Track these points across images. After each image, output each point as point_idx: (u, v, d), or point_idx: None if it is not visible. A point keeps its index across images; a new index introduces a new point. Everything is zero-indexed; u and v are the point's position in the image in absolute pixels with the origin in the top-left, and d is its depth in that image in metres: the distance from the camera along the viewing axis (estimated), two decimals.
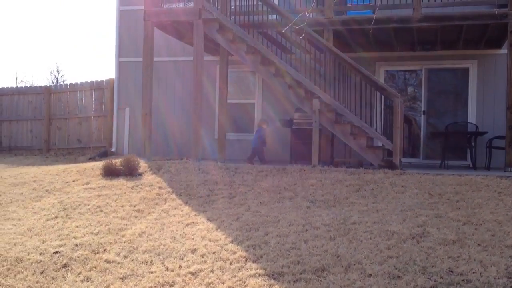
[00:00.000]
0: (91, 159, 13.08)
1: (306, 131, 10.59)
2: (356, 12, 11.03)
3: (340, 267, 4.99)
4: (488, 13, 9.94)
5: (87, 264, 5.62)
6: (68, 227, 6.74)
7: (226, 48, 10.77)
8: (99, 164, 9.60)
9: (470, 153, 11.07)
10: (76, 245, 6.08)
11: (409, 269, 4.85)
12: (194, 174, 8.86)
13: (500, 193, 7.29)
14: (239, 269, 5.20)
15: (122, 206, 7.45)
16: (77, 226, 6.74)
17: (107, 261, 5.67)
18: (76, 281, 5.27)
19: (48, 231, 6.68)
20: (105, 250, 5.96)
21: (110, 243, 6.14)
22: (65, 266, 5.62)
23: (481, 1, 10.47)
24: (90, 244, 6.10)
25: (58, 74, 41.05)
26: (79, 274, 5.42)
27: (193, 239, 6.09)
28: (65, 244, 6.13)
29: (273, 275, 4.97)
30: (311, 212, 6.77)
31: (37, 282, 5.31)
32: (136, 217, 7.05)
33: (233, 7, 11.21)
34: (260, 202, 7.34)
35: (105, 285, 5.16)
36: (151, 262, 5.59)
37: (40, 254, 5.92)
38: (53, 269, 5.57)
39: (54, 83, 37.17)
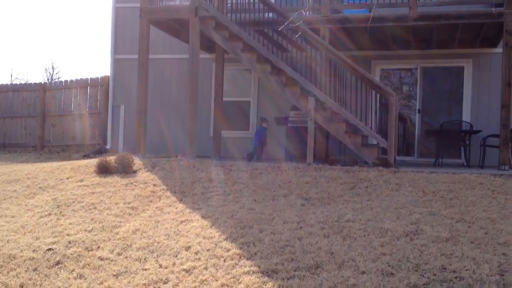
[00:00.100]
0: (86, 156, 13.05)
1: (301, 129, 10.60)
2: (353, 10, 11.03)
3: (334, 264, 4.99)
4: (484, 12, 9.96)
5: (80, 261, 5.60)
6: (62, 224, 6.72)
7: (222, 46, 10.76)
8: (93, 162, 9.58)
9: (464, 151, 11.10)
10: (70, 242, 6.07)
11: (402, 266, 4.86)
12: (189, 172, 8.85)
13: (494, 191, 7.31)
14: (233, 266, 5.19)
15: (116, 204, 7.43)
16: (70, 223, 6.73)
17: (101, 258, 5.65)
18: (69, 278, 5.25)
19: (42, 228, 6.66)
20: (98, 247, 5.95)
21: (104, 240, 6.13)
22: (58, 263, 5.60)
23: (477, 0, 10.49)
24: (83, 241, 6.09)
25: (53, 71, 40.88)
26: (72, 271, 5.40)
27: (187, 236, 6.08)
28: (58, 241, 6.11)
29: (267, 272, 4.98)
30: (305, 209, 6.78)
31: (30, 279, 5.29)
32: (130, 214, 7.03)
33: (229, 5, 11.21)
34: (255, 200, 7.34)
35: (98, 282, 5.15)
36: (144, 259, 5.58)
37: (33, 251, 5.90)
38: (46, 266, 5.56)
39: (49, 80, 37.05)
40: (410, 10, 10.19)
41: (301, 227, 6.06)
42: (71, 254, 5.76)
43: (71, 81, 15.42)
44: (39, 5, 58.11)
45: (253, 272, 5.00)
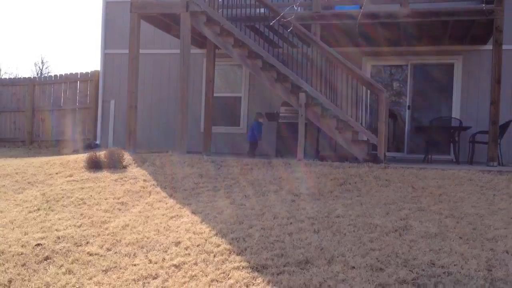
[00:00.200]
0: (75, 151, 12.97)
1: (292, 125, 10.60)
2: (344, 6, 11.04)
3: (324, 260, 5.01)
4: (475, 9, 9.99)
5: (69, 257, 5.58)
6: (51, 220, 6.69)
7: (213, 41, 10.72)
8: (83, 157, 9.53)
9: (453, 147, 11.16)
10: (59, 238, 6.04)
11: (392, 261, 4.88)
12: (179, 167, 8.83)
13: (482, 187, 7.36)
14: (223, 262, 5.20)
15: (105, 199, 7.40)
16: (59, 219, 6.69)
17: (90, 254, 5.63)
18: (58, 274, 5.23)
19: (30, 224, 6.62)
20: (87, 242, 5.93)
21: (93, 235, 6.11)
22: (47, 258, 5.58)
23: None
24: (72, 237, 6.06)
25: (42, 66, 40.69)
26: (61, 266, 5.38)
27: (177, 232, 6.08)
28: (47, 237, 6.08)
29: (257, 267, 4.98)
30: (295, 205, 6.79)
31: (18, 274, 5.26)
32: (119, 209, 7.01)
33: (220, 0, 11.16)
34: (245, 195, 7.34)
35: (87, 277, 5.13)
36: (134, 255, 5.57)
37: (22, 246, 5.87)
38: (35, 262, 5.53)
39: (39, 75, 36.81)
40: (401, 7, 10.21)
41: (291, 223, 6.07)
42: (60, 250, 5.73)
43: (61, 75, 15.31)
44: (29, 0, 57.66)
45: (243, 267, 5.01)
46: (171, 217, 6.56)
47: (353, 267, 4.81)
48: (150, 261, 5.39)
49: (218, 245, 5.56)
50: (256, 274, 4.86)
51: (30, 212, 7.09)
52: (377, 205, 6.58)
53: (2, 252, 5.73)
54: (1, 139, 15.60)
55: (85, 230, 6.28)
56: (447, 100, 12.21)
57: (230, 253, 5.35)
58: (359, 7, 10.61)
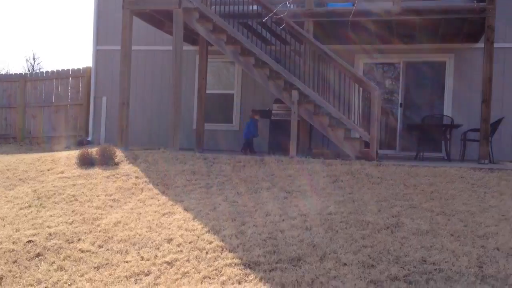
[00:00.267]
0: (67, 148, 12.91)
1: (285, 122, 10.62)
2: (336, 4, 11.04)
3: (316, 257, 5.02)
4: (467, 7, 10.03)
5: (61, 254, 5.56)
6: (42, 216, 6.66)
7: (206, 38, 10.70)
8: (75, 153, 9.49)
9: (445, 145, 11.22)
10: (50, 234, 6.01)
11: (383, 258, 4.90)
12: (172, 164, 8.81)
13: (473, 184, 7.41)
14: (215, 259, 5.20)
15: (97, 196, 7.38)
16: (51, 215, 6.66)
17: (82, 251, 5.62)
18: (49, 270, 5.21)
19: (22, 220, 6.58)
20: (79, 239, 5.91)
21: (85, 232, 6.09)
22: (38, 255, 5.56)
23: None
24: (64, 233, 6.04)
25: (34, 61, 40.42)
26: (52, 263, 5.36)
27: (169, 228, 6.07)
28: (38, 233, 6.06)
29: (249, 264, 4.99)
30: (288, 202, 6.80)
31: (9, 271, 5.24)
32: (111, 206, 6.98)
33: None
34: (238, 192, 7.34)
35: (79, 274, 5.12)
36: (126, 252, 5.56)
37: (13, 243, 5.84)
38: (26, 258, 5.51)
39: (30, 71, 36.60)
40: (394, 5, 10.23)
41: (283, 220, 6.08)
42: (52, 246, 5.71)
43: (53, 72, 15.22)
44: None
45: (235, 264, 5.01)
46: (163, 214, 6.55)
47: (345, 264, 4.83)
48: (142, 258, 5.38)
49: (211, 242, 5.56)
50: (248, 271, 4.86)
51: (21, 208, 7.05)
52: (369, 202, 6.61)
53: None
54: None
55: (76, 227, 6.26)
56: (439, 98, 12.27)
57: (222, 250, 5.35)
58: (352, 4, 10.61)
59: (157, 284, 4.85)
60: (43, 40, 55.52)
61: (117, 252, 5.56)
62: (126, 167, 8.71)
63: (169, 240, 5.73)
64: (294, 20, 10.24)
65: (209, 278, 4.85)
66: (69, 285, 4.92)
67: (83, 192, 7.53)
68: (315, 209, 6.38)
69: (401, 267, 4.70)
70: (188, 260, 5.23)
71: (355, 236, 5.46)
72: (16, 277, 5.15)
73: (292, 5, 10.68)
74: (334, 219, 5.99)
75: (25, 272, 5.22)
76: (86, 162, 8.97)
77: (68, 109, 14.71)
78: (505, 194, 6.98)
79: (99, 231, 6.11)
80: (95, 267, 5.25)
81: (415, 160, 10.32)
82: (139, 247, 5.64)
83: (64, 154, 10.16)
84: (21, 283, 5.04)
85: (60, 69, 15.07)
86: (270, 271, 4.81)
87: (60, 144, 13.77)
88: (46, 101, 15.06)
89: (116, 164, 8.96)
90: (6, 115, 15.49)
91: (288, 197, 7.03)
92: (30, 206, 7.13)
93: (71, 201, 7.20)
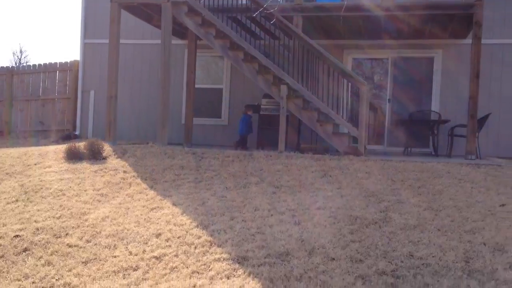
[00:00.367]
0: (54, 142, 12.81)
1: (273, 117, 10.62)
2: None
3: (304, 251, 5.04)
4: (455, 4, 10.07)
5: (49, 248, 5.52)
6: (29, 211, 6.61)
7: (195, 32, 10.65)
8: (62, 147, 9.42)
9: (432, 140, 11.29)
10: (37, 229, 5.97)
11: (371, 253, 4.93)
12: (160, 159, 8.78)
13: (460, 180, 7.47)
14: (203, 254, 5.20)
15: (85, 190, 7.34)
16: (38, 210, 6.62)
17: (69, 245, 5.59)
18: (37, 265, 5.18)
19: (8, 215, 6.53)
20: (67, 234, 5.87)
21: (73, 227, 6.05)
22: (25, 250, 5.52)
23: None
24: (51, 228, 6.00)
25: (21, 55, 40.03)
26: (40, 258, 5.33)
27: (157, 223, 6.05)
28: (25, 228, 6.01)
29: (237, 259, 4.99)
30: (276, 197, 6.81)
31: None
32: (99, 201, 6.95)
33: None
34: (226, 187, 7.34)
35: (66, 269, 5.09)
36: (114, 247, 5.54)
37: (0, 238, 5.79)
38: (13, 253, 5.47)
39: (17, 64, 36.24)
40: (383, 0, 10.25)
41: (272, 215, 6.09)
42: (39, 241, 5.67)
43: (40, 65, 15.08)
44: None
45: (223, 259, 5.01)
46: (152, 209, 6.54)
47: (333, 259, 4.86)
48: (131, 253, 5.36)
49: (199, 237, 5.56)
50: (237, 265, 4.87)
51: (8, 203, 6.99)
52: (357, 197, 6.64)
53: None
54: None
55: (64, 221, 6.22)
56: (427, 93, 12.33)
57: (211, 245, 5.35)
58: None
59: (145, 279, 4.84)
60: (30, 33, 54.96)
61: (105, 247, 5.54)
62: (114, 162, 8.67)
63: (158, 235, 5.72)
64: (283, 15, 10.23)
65: (198, 273, 4.85)
66: (56, 280, 4.89)
67: (70, 187, 7.48)
68: (304, 204, 6.39)
69: (388, 262, 4.73)
70: (176, 255, 5.22)
71: (343, 231, 5.49)
72: (3, 272, 5.11)
73: (281, 0, 10.67)
74: (322, 214, 6.01)
75: (12, 267, 5.19)
76: (73, 156, 8.91)
77: (56, 102, 14.58)
78: (492, 189, 7.05)
79: (87, 226, 6.08)
80: (83, 262, 5.22)
81: (403, 156, 10.38)
82: (127, 242, 5.62)
83: (51, 148, 10.09)
84: (8, 278, 5.01)
85: (48, 63, 14.93)
86: (258, 266, 4.82)
87: (48, 138, 13.65)
88: (33, 94, 14.92)
89: (104, 158, 8.91)
90: None
91: (276, 192, 7.04)
92: (17, 200, 7.07)
93: (58, 196, 7.16)
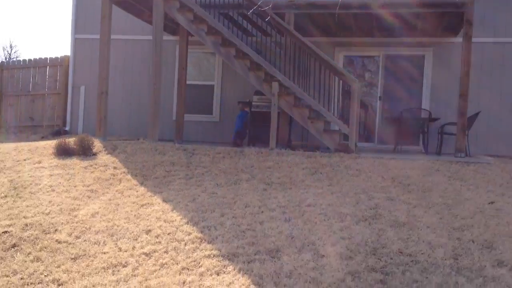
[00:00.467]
0: (44, 137, 12.74)
1: (265, 114, 10.62)
2: None
3: (294, 248, 5.04)
4: (446, 2, 10.11)
5: (37, 244, 5.49)
6: (18, 207, 6.56)
7: (187, 28, 10.62)
8: (52, 143, 9.36)
9: (422, 138, 11.35)
10: (26, 225, 5.93)
11: (361, 250, 4.95)
12: (151, 155, 8.76)
13: (450, 177, 7.51)
14: (194, 250, 5.19)
15: (75, 186, 7.30)
16: (27, 206, 6.57)
17: (58, 241, 5.55)
18: (25, 261, 5.14)
19: None
20: (56, 230, 5.84)
21: (62, 223, 6.02)
22: (14, 246, 5.47)
23: None
24: (40, 224, 5.96)
25: (11, 50, 39.77)
26: (29, 254, 5.29)
27: (147, 220, 6.03)
28: (14, 224, 5.97)
29: (228, 255, 4.99)
30: (267, 194, 6.81)
31: None
32: (89, 197, 6.92)
33: None
34: (217, 184, 7.33)
35: (55, 265, 5.06)
36: (104, 243, 5.51)
37: None
38: (2, 249, 5.42)
39: (7, 59, 35.97)
40: None
41: (262, 211, 6.09)
42: (28, 237, 5.63)
43: (30, 60, 14.98)
44: None
45: (214, 255, 5.01)
46: (142, 205, 6.52)
47: (323, 256, 4.86)
48: (120, 249, 5.34)
49: (189, 233, 5.54)
50: (227, 262, 4.86)
51: None
52: (348, 195, 6.66)
53: None
54: None
55: (53, 217, 6.18)
56: (418, 91, 12.38)
57: (201, 242, 5.34)
58: None
59: (135, 276, 4.82)
60: (20, 28, 54.53)
61: (95, 243, 5.51)
62: (104, 158, 8.63)
63: (148, 231, 5.70)
64: (275, 12, 10.23)
65: (188, 269, 4.84)
66: (45, 276, 4.86)
67: (60, 183, 7.44)
68: (294, 201, 6.40)
69: (378, 259, 4.75)
70: (166, 252, 5.21)
71: (333, 228, 5.50)
72: None
73: None
74: (313, 211, 6.02)
75: (1, 263, 5.14)
76: (63, 152, 8.85)
77: (46, 98, 14.50)
78: (481, 187, 7.10)
79: (76, 222, 6.05)
80: (72, 258, 5.19)
81: (393, 153, 10.42)
82: (117, 238, 5.59)
83: (41, 143, 10.02)
84: None
85: (38, 58, 14.84)
86: (248, 262, 4.82)
87: (37, 134, 13.58)
88: (23, 90, 14.82)
89: (94, 154, 8.87)
90: None
91: (267, 189, 7.04)
92: (6, 196, 7.01)
93: (48, 192, 7.11)
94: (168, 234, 5.59)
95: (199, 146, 9.45)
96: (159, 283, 4.62)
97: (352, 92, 9.54)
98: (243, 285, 4.45)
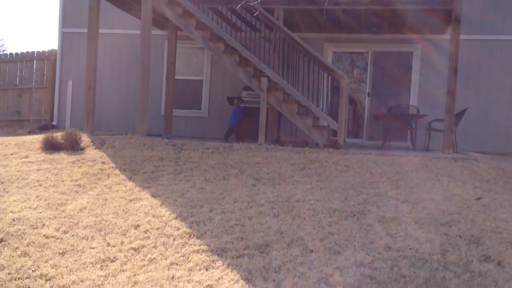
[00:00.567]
0: (31, 132, 12.63)
1: (253, 109, 10.61)
2: None
3: (283, 243, 5.06)
4: None
5: (25, 239, 5.45)
6: (5, 202, 6.50)
7: (175, 23, 10.57)
8: (39, 137, 9.28)
9: (410, 134, 11.41)
10: (14, 220, 5.89)
11: (349, 245, 4.98)
12: (139, 150, 8.72)
13: (438, 173, 7.57)
14: (182, 245, 5.19)
15: (62, 181, 7.25)
16: (14, 201, 6.52)
17: (46, 236, 5.52)
18: (13, 256, 5.11)
19: None
20: (44, 225, 5.80)
21: (49, 218, 5.98)
22: (1, 241, 5.43)
23: None
24: (28, 219, 5.92)
25: None
26: (16, 249, 5.26)
27: (136, 215, 6.02)
28: (1, 219, 5.91)
29: (216, 251, 4.99)
30: (256, 189, 6.82)
31: None
32: (77, 192, 6.88)
33: None
34: (206, 179, 7.32)
35: (43, 260, 5.03)
36: (92, 238, 5.49)
37: None
38: None
39: None
40: None
41: (251, 207, 6.10)
42: (15, 232, 5.59)
43: (17, 54, 14.81)
44: None
45: (202, 250, 5.01)
46: (130, 200, 6.49)
47: (312, 251, 4.89)
48: (108, 244, 5.32)
49: (178, 229, 5.54)
50: (216, 257, 4.87)
51: None
52: (336, 190, 6.68)
53: None
54: None
55: (41, 212, 6.14)
56: (406, 87, 12.45)
57: (190, 237, 5.34)
58: None
59: (123, 271, 4.81)
60: (7, 21, 53.91)
61: (83, 238, 5.49)
62: (92, 152, 8.58)
63: (136, 226, 5.69)
64: (264, 7, 10.21)
65: (176, 264, 4.84)
66: (33, 271, 4.83)
67: (47, 177, 7.39)
68: (283, 196, 6.42)
69: (366, 254, 4.78)
70: (155, 247, 5.20)
71: (322, 223, 5.52)
72: None
73: None
74: (301, 206, 6.04)
75: None
76: (51, 146, 8.79)
77: (33, 92, 14.35)
78: (468, 183, 7.16)
79: (64, 217, 6.01)
80: (60, 253, 5.17)
81: (381, 149, 10.47)
82: (105, 233, 5.58)
83: (28, 138, 9.94)
84: None
85: (25, 52, 14.67)
86: (237, 257, 4.83)
87: (24, 128, 13.45)
88: (10, 83, 14.66)
89: (82, 149, 8.82)
90: None
91: (256, 184, 7.05)
92: None
93: (35, 186, 7.06)
94: (157, 229, 5.58)
95: (187, 141, 9.43)
96: (147, 278, 4.62)
97: (341, 88, 9.57)
98: (232, 280, 4.46)
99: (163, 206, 6.21)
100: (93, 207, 6.30)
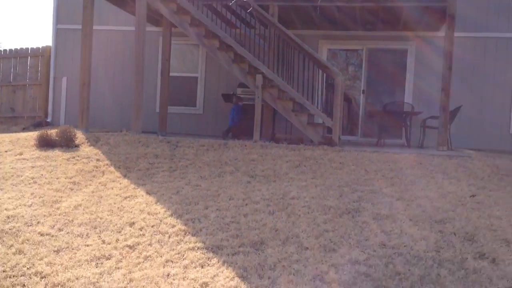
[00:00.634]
0: (25, 129, 12.59)
1: (248, 106, 10.61)
2: None
3: (278, 241, 5.07)
4: None
5: (20, 237, 5.43)
6: (0, 199, 6.48)
7: (170, 20, 10.54)
8: (34, 134, 9.25)
9: (405, 132, 11.45)
10: (8, 217, 5.86)
11: (344, 242, 4.99)
12: (134, 147, 8.70)
13: (432, 170, 7.59)
14: (178, 242, 5.18)
15: (57, 178, 7.22)
16: (9, 198, 6.49)
17: (41, 234, 5.50)
18: (7, 254, 5.09)
19: None
20: (38, 222, 5.79)
21: (44, 215, 5.96)
22: None
23: None
24: (23, 216, 5.90)
25: None
26: (11, 246, 5.24)
27: (131, 212, 6.01)
28: None
29: (212, 248, 5.00)
30: (251, 186, 6.82)
31: None
32: (72, 189, 6.86)
33: None
34: (201, 176, 7.32)
35: (38, 258, 5.02)
36: (87, 235, 5.48)
37: None
38: None
39: None
40: None
41: (246, 204, 6.10)
42: (10, 229, 5.57)
43: (11, 50, 14.74)
44: None
45: (198, 248, 5.01)
46: (125, 198, 6.48)
47: (307, 248, 4.89)
48: (104, 242, 5.31)
49: (173, 226, 5.54)
50: (211, 254, 4.87)
51: None
52: (331, 187, 6.69)
53: None
54: None
55: (35, 209, 6.12)
56: (401, 85, 12.47)
57: (185, 234, 5.34)
58: None
59: (118, 268, 4.81)
60: (0, 18, 53.58)
61: (78, 235, 5.48)
62: (87, 149, 8.56)
63: (131, 224, 5.68)
64: (259, 4, 10.20)
65: (172, 262, 4.84)
66: (28, 268, 4.82)
67: (42, 175, 7.36)
68: (278, 194, 6.42)
69: (361, 251, 4.79)
70: (150, 244, 5.20)
71: (317, 221, 5.53)
72: None
73: None
74: (296, 204, 6.05)
75: None
76: (45, 143, 8.76)
77: (27, 89, 14.29)
78: (462, 180, 7.19)
79: (59, 214, 6.00)
80: (55, 251, 5.16)
81: (376, 146, 10.49)
82: (100, 231, 5.57)
83: (22, 135, 9.90)
84: None
85: (19, 48, 14.61)
86: (232, 255, 4.83)
87: (18, 125, 13.40)
88: (4, 80, 14.59)
89: (77, 146, 8.79)
90: None
91: (251, 182, 7.05)
92: None
93: (30, 184, 7.03)
94: (152, 226, 5.58)
95: (182, 138, 9.42)
96: (143, 275, 4.62)
97: (336, 86, 9.57)
98: (227, 277, 4.46)
99: (158, 203, 6.21)
100: (88, 205, 6.28)
